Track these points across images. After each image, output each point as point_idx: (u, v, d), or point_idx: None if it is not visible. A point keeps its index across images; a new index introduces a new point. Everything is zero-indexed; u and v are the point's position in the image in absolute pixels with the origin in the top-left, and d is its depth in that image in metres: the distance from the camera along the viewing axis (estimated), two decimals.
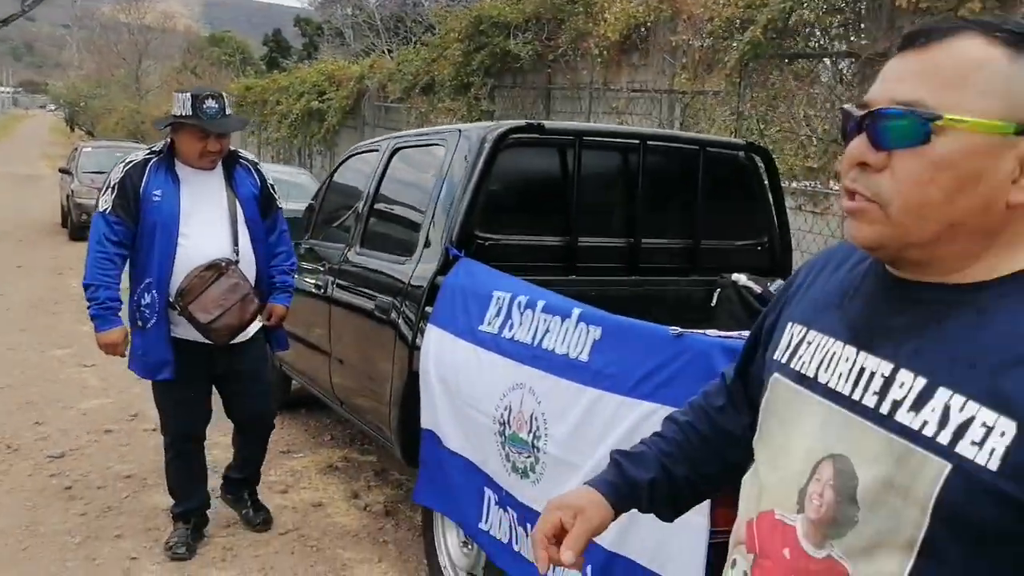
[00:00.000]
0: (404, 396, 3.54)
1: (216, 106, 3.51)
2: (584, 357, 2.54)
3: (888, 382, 0.99)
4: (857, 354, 1.04)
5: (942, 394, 0.93)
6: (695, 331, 2.26)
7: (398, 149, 4.28)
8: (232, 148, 3.72)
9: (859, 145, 1.00)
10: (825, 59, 5.82)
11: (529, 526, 2.73)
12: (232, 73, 31.07)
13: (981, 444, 0.89)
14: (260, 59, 40.10)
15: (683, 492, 1.44)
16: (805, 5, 5.52)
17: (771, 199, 4.16)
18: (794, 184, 6.19)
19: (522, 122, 3.60)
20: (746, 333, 2.41)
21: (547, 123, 3.63)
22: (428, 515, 3.52)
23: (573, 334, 2.61)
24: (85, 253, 3.59)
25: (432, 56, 10.45)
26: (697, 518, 2.10)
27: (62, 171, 17.20)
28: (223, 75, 32.14)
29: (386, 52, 15.31)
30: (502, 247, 3.60)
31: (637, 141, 3.78)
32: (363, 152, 4.73)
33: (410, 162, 4.17)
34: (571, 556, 1.28)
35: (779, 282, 3.32)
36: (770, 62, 6.16)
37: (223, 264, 3.57)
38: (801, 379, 1.11)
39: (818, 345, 1.11)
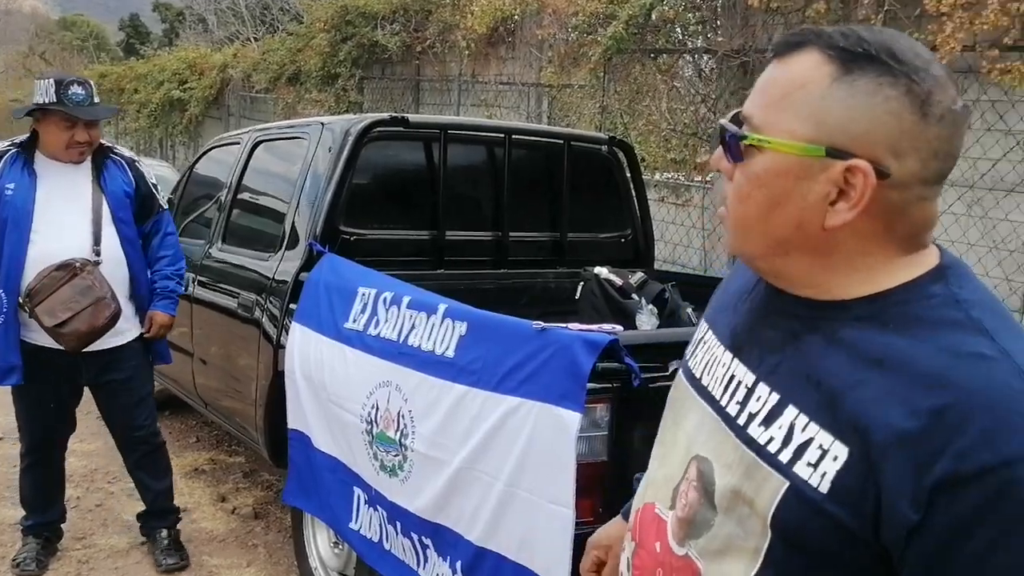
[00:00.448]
0: (270, 396, 3.46)
1: (83, 93, 3.26)
2: (450, 353, 2.54)
3: (749, 393, 1.00)
4: (731, 361, 1.05)
5: (790, 412, 0.94)
6: (557, 325, 2.29)
7: (260, 142, 4.17)
8: (107, 143, 3.51)
9: (718, 152, 1.00)
10: (685, 55, 5.99)
11: (399, 524, 2.71)
12: (86, 59, 29.50)
13: (816, 466, 0.90)
14: (116, 45, 38.27)
15: None
16: (664, 2, 5.67)
17: (633, 192, 4.27)
18: (657, 176, 6.36)
19: (386, 115, 3.57)
20: (607, 326, 2.48)
21: (412, 117, 3.61)
22: (298, 516, 3.45)
23: (439, 330, 2.60)
24: None
25: (298, 46, 10.20)
26: (562, 510, 2.14)
27: None
28: (76, 61, 30.48)
29: (252, 40, 14.86)
30: (368, 242, 3.56)
31: (502, 135, 3.80)
32: (224, 145, 4.58)
33: (273, 155, 4.07)
34: None
35: (640, 274, 3.40)
36: (633, 57, 6.30)
37: (77, 264, 3.30)
38: (692, 378, 1.13)
39: (709, 346, 1.12)
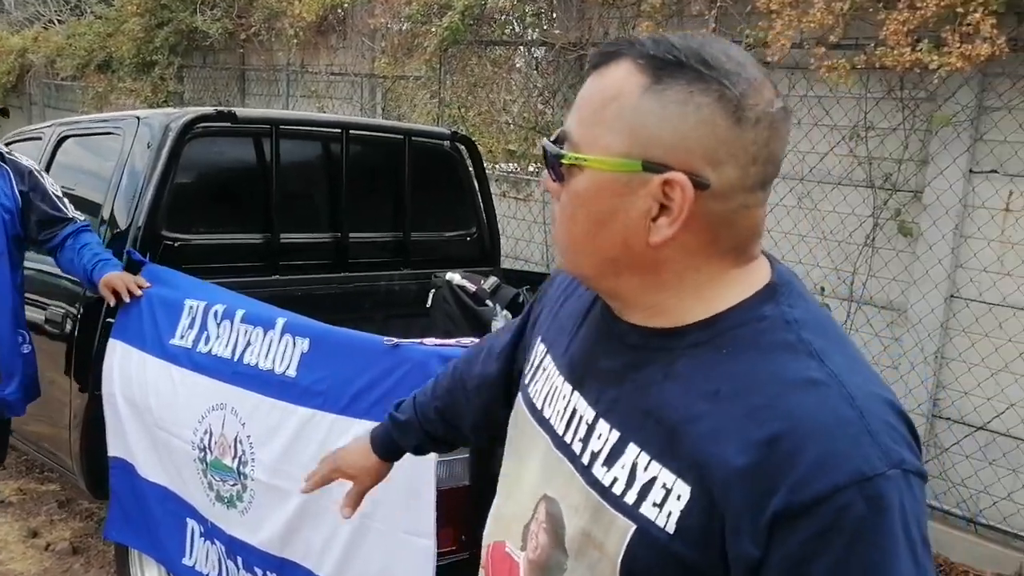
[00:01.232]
0: (87, 420, 3.13)
1: None
2: (292, 372, 2.33)
3: (590, 430, 0.96)
4: (572, 393, 1.00)
5: (631, 450, 0.90)
6: (411, 340, 2.13)
7: (66, 137, 3.77)
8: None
9: (545, 173, 0.96)
10: (521, 47, 5.93)
11: (240, 559, 2.49)
12: None
13: (661, 506, 0.87)
14: None
15: (443, 444, 1.55)
16: None
17: (477, 189, 4.15)
18: (497, 169, 6.28)
19: (211, 109, 3.29)
20: (466, 340, 2.33)
21: (240, 111, 3.34)
22: (123, 552, 3.13)
23: (278, 347, 2.39)
24: None
25: (108, 30, 9.44)
26: (422, 541, 1.99)
27: None
28: None
29: (56, 23, 13.75)
30: (194, 248, 3.28)
31: (339, 130, 3.58)
32: (23, 140, 4.12)
33: (81, 153, 3.69)
34: (349, 512, 1.52)
35: (493, 279, 3.29)
36: (469, 48, 6.18)
37: None
38: (533, 407, 1.07)
39: (548, 374, 1.06)
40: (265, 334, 2.44)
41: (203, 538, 2.66)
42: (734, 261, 0.91)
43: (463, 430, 1.43)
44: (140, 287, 2.87)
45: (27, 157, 3.10)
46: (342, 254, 3.67)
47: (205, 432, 2.55)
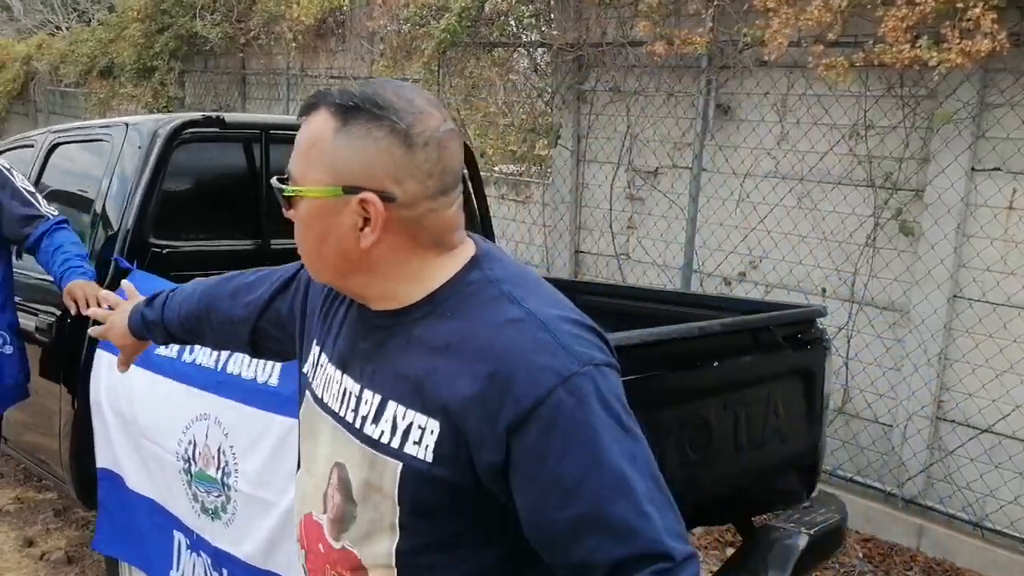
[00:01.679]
0: (76, 430, 3.09)
1: None
2: (274, 381, 2.29)
3: (358, 400, 1.20)
4: (342, 377, 1.24)
5: (391, 407, 1.15)
6: None
7: (58, 144, 3.74)
8: None
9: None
10: (520, 48, 5.88)
11: (226, 571, 2.45)
12: None
13: (419, 443, 1.11)
14: None
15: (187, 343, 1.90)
16: None
17: (473, 193, 4.11)
18: (496, 172, 6.24)
19: (199, 115, 3.25)
20: None
21: (229, 116, 3.31)
22: (113, 564, 3.10)
23: None
24: None
25: (110, 36, 9.46)
26: None
27: None
28: None
29: (64, 29, 13.80)
30: (183, 254, 3.26)
31: None
32: (16, 147, 4.10)
33: (72, 160, 3.66)
34: (124, 368, 1.90)
35: None
36: (467, 50, 6.14)
37: None
38: (317, 399, 1.29)
39: (324, 369, 1.28)
40: None
41: (189, 551, 2.62)
42: (437, 251, 1.16)
43: (205, 343, 1.77)
44: (103, 301, 2.81)
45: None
46: None
47: (190, 443, 2.52)
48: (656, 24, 4.91)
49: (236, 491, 2.35)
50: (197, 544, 2.56)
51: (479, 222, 4.15)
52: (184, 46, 8.65)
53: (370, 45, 6.93)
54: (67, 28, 13.74)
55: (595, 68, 5.60)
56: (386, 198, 1.10)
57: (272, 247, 3.42)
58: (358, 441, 1.18)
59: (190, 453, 2.51)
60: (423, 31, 6.02)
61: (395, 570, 1.17)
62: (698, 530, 3.57)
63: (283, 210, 1.20)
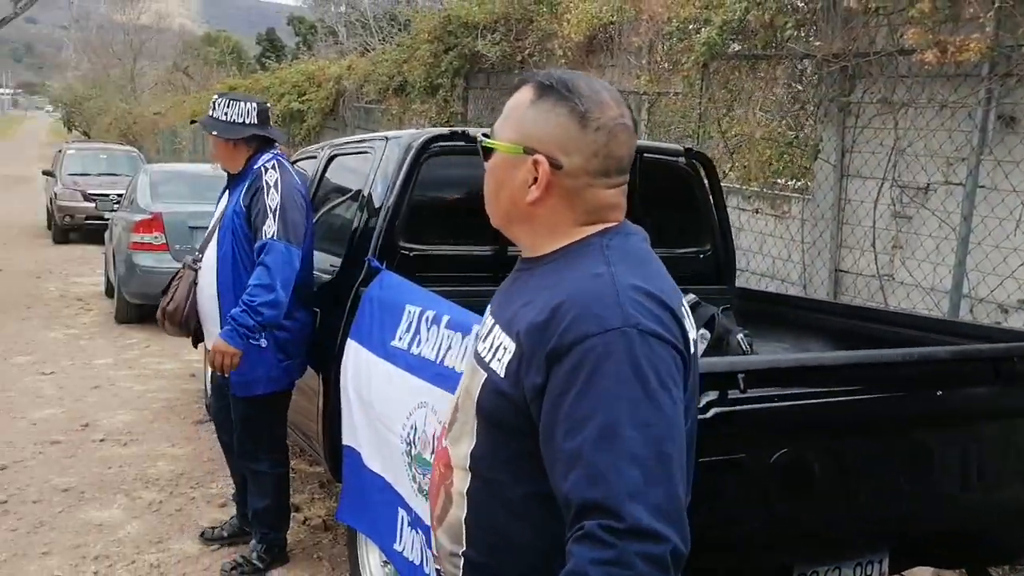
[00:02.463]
0: (329, 412, 3.47)
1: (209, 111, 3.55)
2: None
3: (487, 327, 1.44)
4: (488, 317, 1.46)
5: (496, 330, 1.38)
6: None
7: (334, 156, 4.21)
8: (272, 155, 3.51)
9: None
10: (782, 60, 5.73)
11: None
12: (224, 73, 30.91)
13: (500, 359, 1.32)
14: (253, 58, 39.93)
15: None
16: (760, 6, 5.43)
17: (713, 206, 4.09)
18: (752, 185, 6.11)
19: (446, 130, 3.53)
20: None
21: (472, 130, 3.56)
22: (353, 533, 3.44)
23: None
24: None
25: (404, 57, 10.34)
26: None
27: (46, 173, 17.14)
28: (216, 74, 32.00)
29: (375, 50, 15.23)
30: (428, 258, 3.54)
31: None
32: (305, 158, 4.66)
33: (343, 170, 4.10)
34: None
35: (692, 297, 3.24)
36: (729, 63, 6.07)
37: (187, 263, 3.66)
38: (475, 352, 1.48)
39: (484, 322, 1.48)
40: (463, 339, 2.60)
41: (410, 527, 2.87)
42: (585, 221, 1.37)
43: None
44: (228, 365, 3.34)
45: (275, 174, 3.45)
46: None
47: (412, 427, 2.76)
48: (929, 31, 4.60)
49: None
50: (416, 522, 2.80)
51: (720, 239, 4.12)
52: (467, 64, 9.25)
53: (636, 60, 7.04)
54: (374, 49, 15.13)
55: (862, 79, 5.33)
56: (554, 164, 1.33)
57: (508, 253, 3.62)
58: (473, 359, 1.42)
59: (412, 437, 2.75)
60: (684, 44, 6.04)
61: (469, 474, 1.36)
62: (926, 571, 3.31)
63: (484, 160, 1.45)
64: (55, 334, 8.30)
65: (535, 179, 1.34)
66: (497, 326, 1.37)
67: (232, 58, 36.88)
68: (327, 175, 4.19)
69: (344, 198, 3.90)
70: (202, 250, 3.65)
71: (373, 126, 12.15)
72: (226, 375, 3.41)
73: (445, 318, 2.73)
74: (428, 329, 2.80)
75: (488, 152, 1.42)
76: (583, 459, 1.15)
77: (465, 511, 1.38)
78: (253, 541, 3.76)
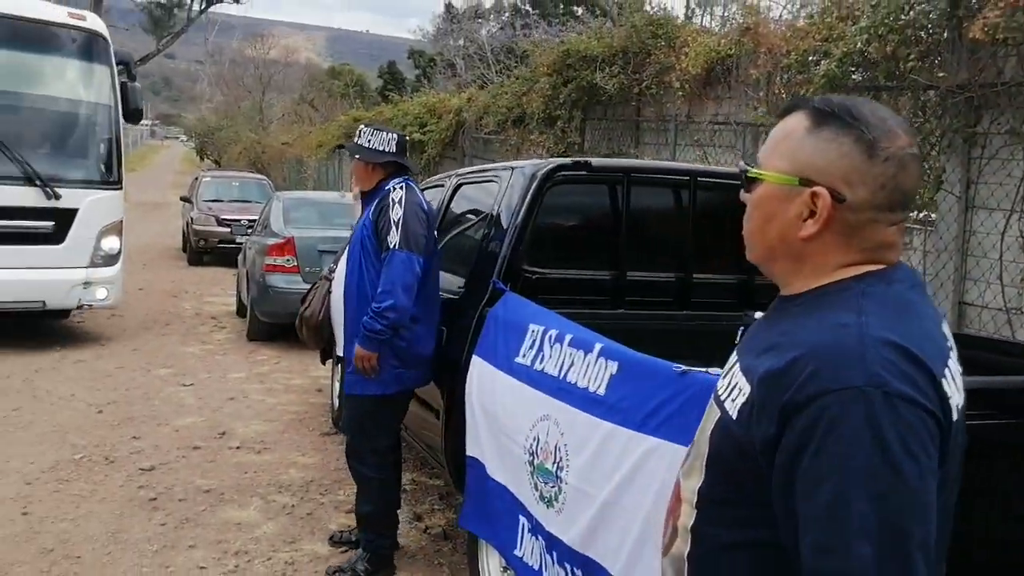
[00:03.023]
0: (452, 424, 3.68)
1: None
2: (601, 391, 2.62)
3: (729, 363, 1.37)
4: (733, 356, 1.39)
5: (736, 368, 1.30)
6: (698, 369, 2.31)
7: (461, 185, 4.45)
8: (402, 179, 3.82)
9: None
10: (905, 90, 5.70)
11: (555, 554, 2.81)
12: (347, 105, 32.16)
13: (735, 400, 1.25)
14: (375, 91, 41.32)
15: None
16: (882, 38, 5.44)
17: None
18: None
19: (569, 160, 3.72)
20: None
21: (595, 160, 3.74)
22: (474, 540, 3.62)
23: (594, 368, 2.69)
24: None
25: (523, 89, 10.65)
26: None
27: (183, 199, 18.24)
28: (339, 106, 33.24)
29: (493, 82, 15.67)
30: (550, 281, 3.72)
31: (687, 178, 3.84)
32: (432, 187, 4.92)
33: (469, 197, 4.34)
34: None
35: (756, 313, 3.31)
36: (851, 94, 6.07)
37: (323, 275, 4.13)
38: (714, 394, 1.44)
39: (728, 364, 1.43)
40: (585, 356, 2.76)
41: (530, 534, 3.03)
42: (859, 260, 1.26)
43: None
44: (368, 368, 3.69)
45: (401, 192, 3.74)
46: (686, 293, 3.90)
47: (534, 439, 2.93)
48: None
49: (566, 483, 2.71)
50: (536, 528, 2.96)
51: None
52: (585, 96, 9.46)
53: (753, 91, 7.11)
54: (491, 82, 15.55)
55: (989, 109, 5.27)
56: (836, 197, 1.23)
57: (628, 278, 3.77)
58: (712, 395, 1.37)
59: (534, 448, 2.92)
60: (803, 77, 6.08)
61: (695, 510, 1.31)
62: None
63: (741, 192, 1.36)
64: (192, 349, 8.84)
65: (812, 212, 1.24)
66: (738, 365, 1.29)
67: (355, 90, 38.25)
68: (454, 202, 4.44)
69: (470, 223, 4.13)
70: (336, 262, 4.01)
71: (491, 156, 12.48)
72: (369, 377, 3.73)
73: (568, 336, 2.90)
74: (551, 347, 2.97)
75: (752, 183, 1.32)
76: (816, 525, 1.09)
77: (688, 547, 1.33)
78: (360, 549, 3.96)
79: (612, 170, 3.89)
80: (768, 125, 6.90)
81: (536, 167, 3.72)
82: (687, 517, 1.34)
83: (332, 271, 4.05)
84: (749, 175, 1.33)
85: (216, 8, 37.54)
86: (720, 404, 1.30)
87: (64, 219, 8.05)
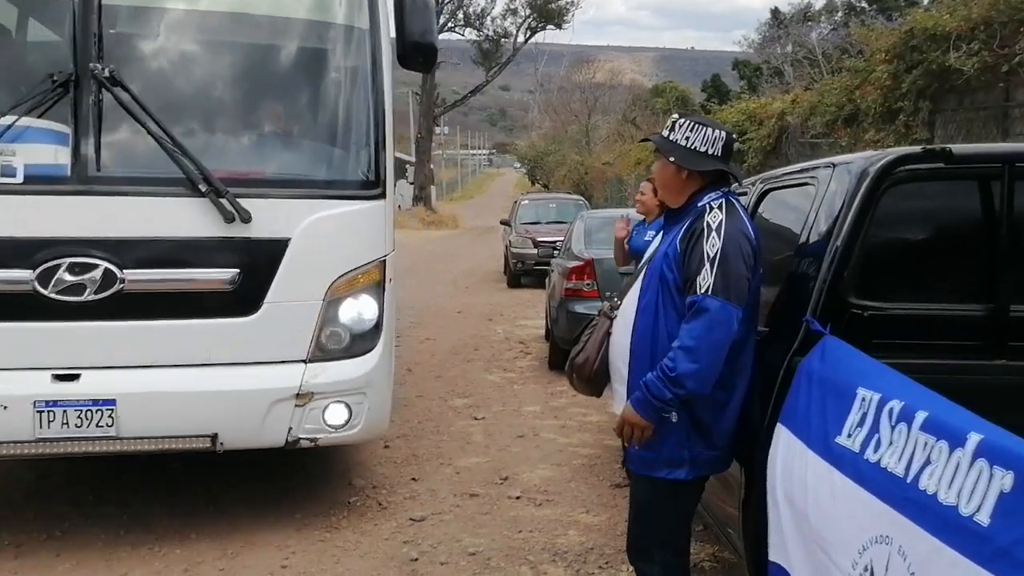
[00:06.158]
0: (752, 512, 2.74)
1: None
2: (983, 518, 1.58)
3: None
4: None
5: None
6: None
7: (767, 191, 3.50)
8: (722, 193, 2.84)
9: None
10: None
11: None
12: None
13: None
14: (699, 105, 40.40)
15: None
16: None
17: None
18: None
19: (917, 149, 2.64)
20: None
21: (957, 148, 2.61)
22: None
23: (967, 475, 1.66)
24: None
25: (855, 83, 9.23)
26: None
27: (503, 223, 18.64)
28: (661, 123, 32.77)
29: (818, 83, 14.27)
30: (889, 319, 2.67)
31: None
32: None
33: (778, 206, 3.38)
34: None
35: None
36: None
37: (603, 310, 3.13)
38: None
39: None
40: (951, 452, 1.73)
41: None
42: None
43: None
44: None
45: (719, 215, 2.74)
46: None
47: (865, 568, 1.93)
48: None
49: None
50: None
51: None
52: (934, 83, 7.92)
53: None
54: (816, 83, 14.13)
55: None
56: None
57: (1011, 313, 2.61)
58: None
59: None
60: None
61: None
62: None
63: None
64: (493, 377, 8.53)
65: None
66: None
67: (676, 105, 37.56)
68: (758, 213, 3.48)
69: (777, 242, 3.13)
70: (622, 296, 3.07)
71: None
72: (634, 447, 2.83)
73: (920, 415, 1.88)
74: (892, 427, 1.96)
75: None
76: None
77: None
78: None
79: (985, 158, 2.73)
80: None
81: (868, 161, 2.69)
82: None
83: (615, 307, 3.06)
84: None
85: (543, 39, 38.93)
86: None
87: (258, 262, 4.13)
